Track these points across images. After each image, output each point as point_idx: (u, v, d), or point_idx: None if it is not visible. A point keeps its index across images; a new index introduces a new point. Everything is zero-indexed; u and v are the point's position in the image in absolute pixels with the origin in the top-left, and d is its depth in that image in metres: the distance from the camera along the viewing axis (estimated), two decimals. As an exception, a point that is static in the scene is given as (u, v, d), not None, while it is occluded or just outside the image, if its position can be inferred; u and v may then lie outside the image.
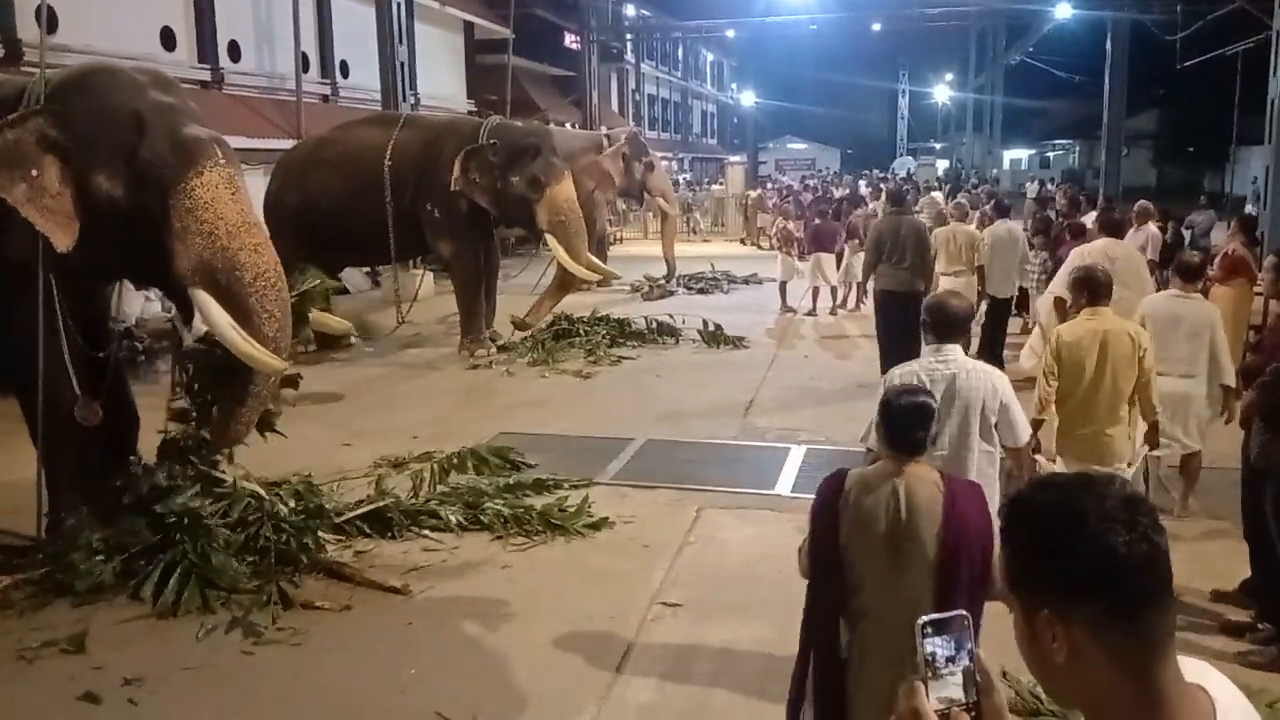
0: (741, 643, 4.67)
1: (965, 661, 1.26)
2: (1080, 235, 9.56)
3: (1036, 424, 4.79)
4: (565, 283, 11.74)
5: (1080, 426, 4.99)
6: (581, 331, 11.92)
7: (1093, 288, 5.06)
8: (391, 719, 4.11)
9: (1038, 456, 4.80)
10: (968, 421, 3.84)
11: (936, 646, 1.26)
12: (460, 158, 10.78)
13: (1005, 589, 1.30)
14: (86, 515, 5.62)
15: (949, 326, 3.99)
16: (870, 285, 9.95)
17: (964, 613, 1.29)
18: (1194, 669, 1.27)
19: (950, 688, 1.25)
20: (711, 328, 12.01)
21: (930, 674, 1.26)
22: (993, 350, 9.61)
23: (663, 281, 16.68)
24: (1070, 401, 4.98)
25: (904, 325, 8.77)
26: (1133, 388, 4.91)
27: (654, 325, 12.25)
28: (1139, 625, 1.20)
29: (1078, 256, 7.80)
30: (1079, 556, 1.20)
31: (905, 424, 2.87)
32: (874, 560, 2.77)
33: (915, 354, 8.60)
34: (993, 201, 12.50)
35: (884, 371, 8.02)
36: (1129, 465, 5.05)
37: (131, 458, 6.13)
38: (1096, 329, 4.92)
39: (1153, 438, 5.20)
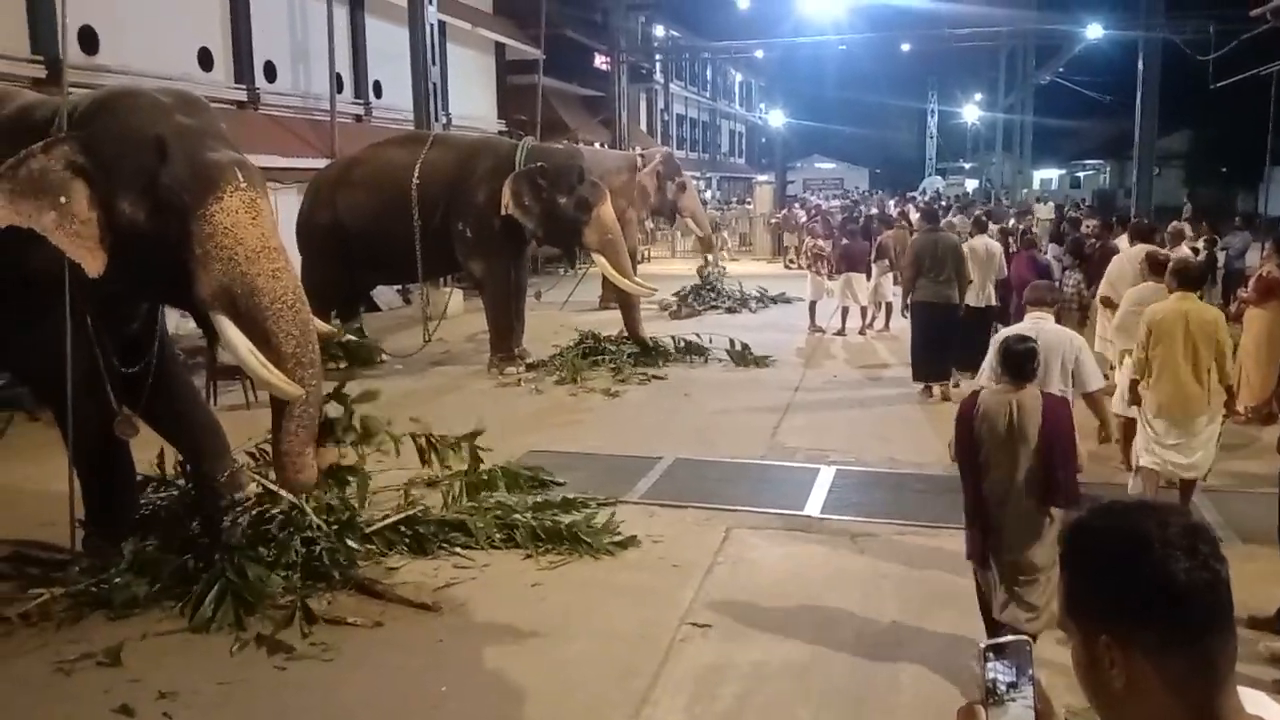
0: (771, 664, 4.65)
1: (1026, 687, 1.26)
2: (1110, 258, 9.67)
3: (1134, 384, 6.23)
4: (627, 301, 12.08)
5: (1169, 387, 6.03)
6: (608, 350, 11.96)
7: (1183, 276, 6.31)
8: (422, 736, 4.14)
9: (1134, 408, 6.37)
10: (1049, 366, 5.10)
11: (998, 672, 1.26)
12: (510, 181, 10.95)
13: (1064, 615, 1.30)
14: (119, 529, 5.71)
15: (1040, 299, 5.72)
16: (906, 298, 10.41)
17: (1027, 638, 1.29)
18: (1254, 700, 1.25)
19: (1010, 713, 1.25)
20: (739, 347, 12.04)
21: (991, 700, 1.26)
22: (944, 353, 9.98)
23: (692, 298, 16.75)
24: (1161, 367, 6.04)
25: (940, 334, 9.71)
26: (1213, 356, 5.99)
27: (681, 344, 12.29)
28: (1199, 653, 1.19)
29: (1118, 261, 9.12)
30: (1140, 582, 1.19)
31: (1018, 361, 4.31)
32: (997, 446, 4.27)
33: (948, 361, 9.61)
34: (973, 218, 12.90)
35: (915, 379, 10.00)
36: (1209, 421, 6.12)
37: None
38: (1181, 309, 6.06)
39: (1230, 403, 6.31)
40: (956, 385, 9.89)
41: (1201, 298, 11.82)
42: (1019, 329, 5.32)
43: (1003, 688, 1.26)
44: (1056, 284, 10.50)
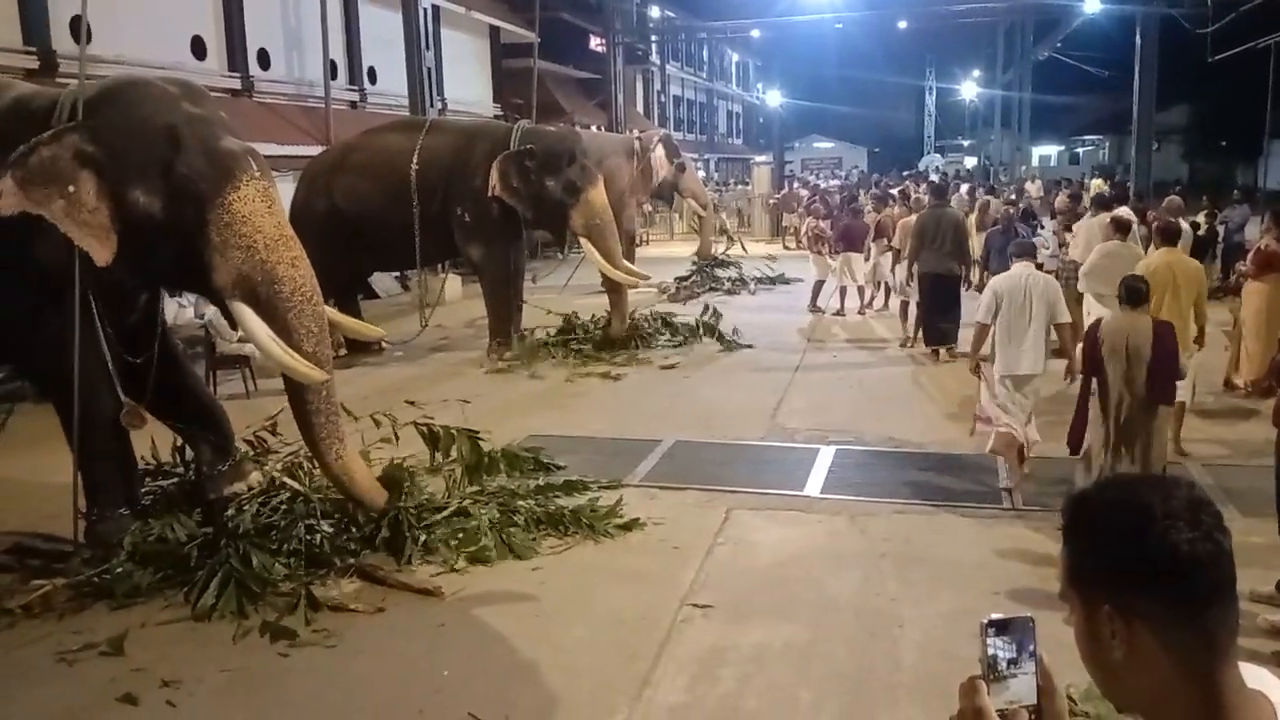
0: (772, 644, 4.67)
1: (1028, 664, 1.26)
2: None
3: None
4: (615, 287, 11.73)
5: None
6: (592, 337, 11.84)
7: (1165, 234, 7.64)
8: (425, 720, 4.15)
9: None
10: (1042, 300, 6.50)
11: (998, 649, 1.26)
12: (498, 162, 10.86)
13: (1066, 586, 1.29)
14: (126, 519, 5.72)
15: (1026, 252, 7.03)
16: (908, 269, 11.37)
17: (1029, 615, 1.28)
18: (1255, 675, 1.25)
19: (1011, 690, 1.25)
20: (732, 333, 11.94)
21: (991, 675, 1.25)
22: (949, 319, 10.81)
23: (690, 281, 16.74)
24: (1154, 311, 6.61)
25: (945, 300, 10.68)
26: (1192, 300, 7.06)
27: (661, 323, 12.21)
28: (1200, 625, 1.18)
29: (1085, 228, 10.40)
30: (1142, 553, 1.19)
31: (1136, 291, 5.55)
32: (1117, 362, 5.44)
33: (954, 324, 10.80)
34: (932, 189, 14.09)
35: (926, 342, 10.96)
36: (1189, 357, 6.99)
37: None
38: (1168, 261, 7.20)
39: (1200, 338, 7.27)
40: (950, 352, 10.61)
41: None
42: (1015, 274, 6.72)
43: (1003, 664, 1.26)
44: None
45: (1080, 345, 5.86)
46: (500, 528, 5.91)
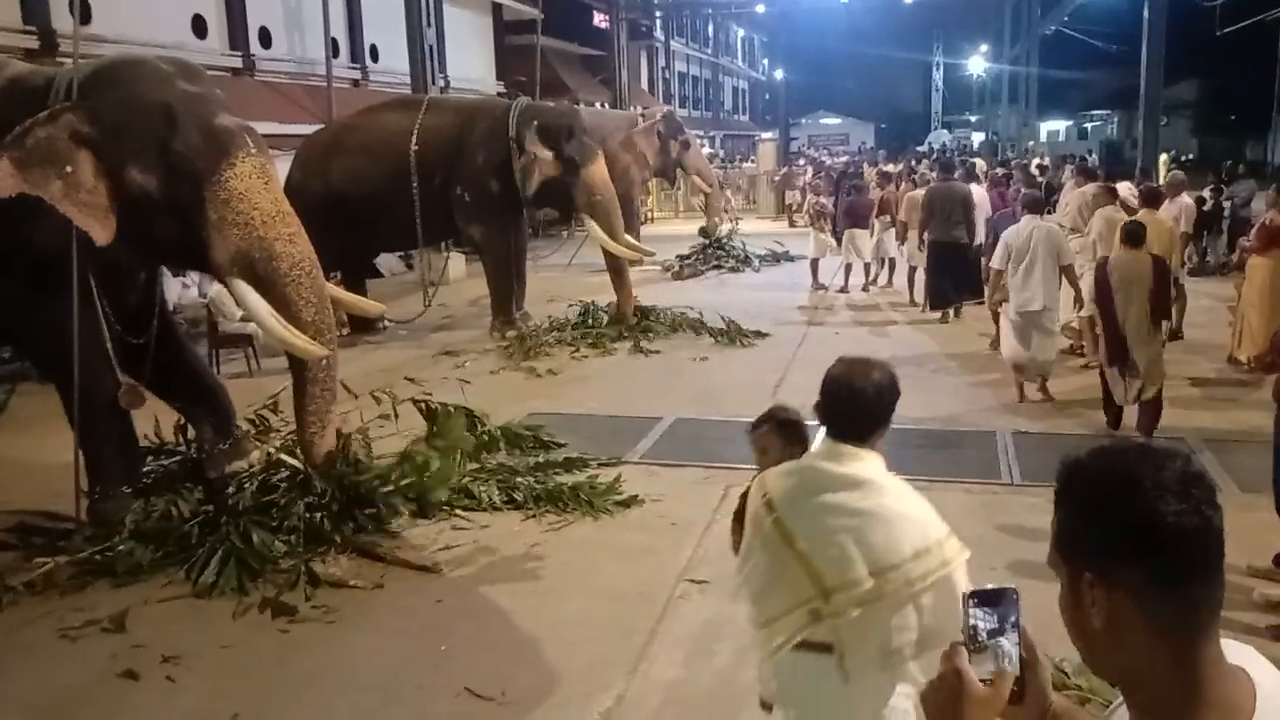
0: (768, 619, 4.68)
1: (1010, 635, 1.26)
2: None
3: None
4: (616, 265, 11.45)
5: None
6: (605, 317, 11.72)
7: (1148, 197, 9.17)
8: (423, 695, 4.18)
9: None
10: (1050, 248, 7.87)
11: (979, 619, 1.26)
12: (498, 140, 10.80)
13: (1053, 552, 1.28)
14: (127, 497, 5.76)
15: (1037, 207, 8.44)
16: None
17: (1012, 587, 1.28)
18: (1237, 651, 1.25)
19: (992, 660, 1.25)
20: (727, 324, 11.19)
21: (973, 646, 1.26)
22: (955, 285, 11.49)
23: (696, 259, 16.66)
24: None
25: (952, 267, 11.38)
26: (1165, 254, 7.61)
27: (671, 319, 11.61)
28: (1183, 598, 1.18)
29: (1077, 196, 10.65)
30: (1128, 522, 1.18)
31: (1137, 234, 6.81)
32: (1125, 290, 6.65)
33: (960, 288, 11.48)
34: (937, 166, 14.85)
35: (933, 307, 11.81)
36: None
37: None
38: (1146, 221, 7.81)
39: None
40: (957, 314, 11.58)
41: (1207, 246, 13.89)
42: (1022, 226, 8.03)
43: (983, 634, 1.26)
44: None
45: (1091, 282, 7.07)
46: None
